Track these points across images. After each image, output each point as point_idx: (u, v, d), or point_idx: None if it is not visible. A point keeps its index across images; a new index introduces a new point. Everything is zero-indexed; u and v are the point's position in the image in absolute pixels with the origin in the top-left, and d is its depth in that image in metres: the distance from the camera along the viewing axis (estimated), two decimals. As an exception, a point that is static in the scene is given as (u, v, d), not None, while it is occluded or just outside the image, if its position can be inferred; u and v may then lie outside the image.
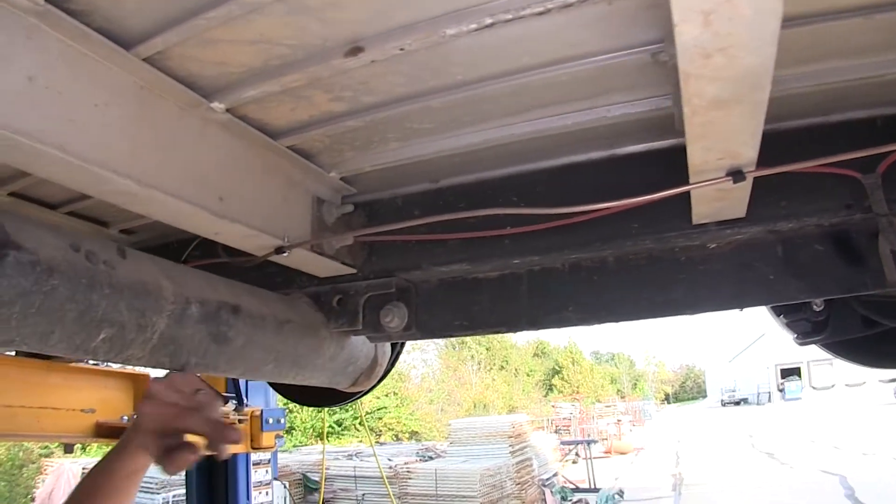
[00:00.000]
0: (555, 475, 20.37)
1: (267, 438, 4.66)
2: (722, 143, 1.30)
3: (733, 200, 1.57)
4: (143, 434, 1.51)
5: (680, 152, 1.69)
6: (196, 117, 1.48)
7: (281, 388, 3.06)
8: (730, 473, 18.56)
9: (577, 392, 57.29)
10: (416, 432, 32.54)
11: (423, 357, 43.91)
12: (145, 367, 1.61)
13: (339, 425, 28.32)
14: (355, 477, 16.89)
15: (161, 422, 1.43)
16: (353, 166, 1.88)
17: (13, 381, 3.41)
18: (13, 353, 3.60)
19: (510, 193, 1.89)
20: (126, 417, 4.15)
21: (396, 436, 30.67)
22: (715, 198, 1.53)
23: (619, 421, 35.77)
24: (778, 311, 2.44)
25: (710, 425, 41.43)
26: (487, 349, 53.78)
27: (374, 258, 2.04)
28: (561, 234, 1.78)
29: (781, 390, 57.18)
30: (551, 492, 18.11)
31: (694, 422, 47.53)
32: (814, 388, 55.44)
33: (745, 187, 1.49)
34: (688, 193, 1.55)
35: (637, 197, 1.62)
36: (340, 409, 25.87)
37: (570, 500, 16.85)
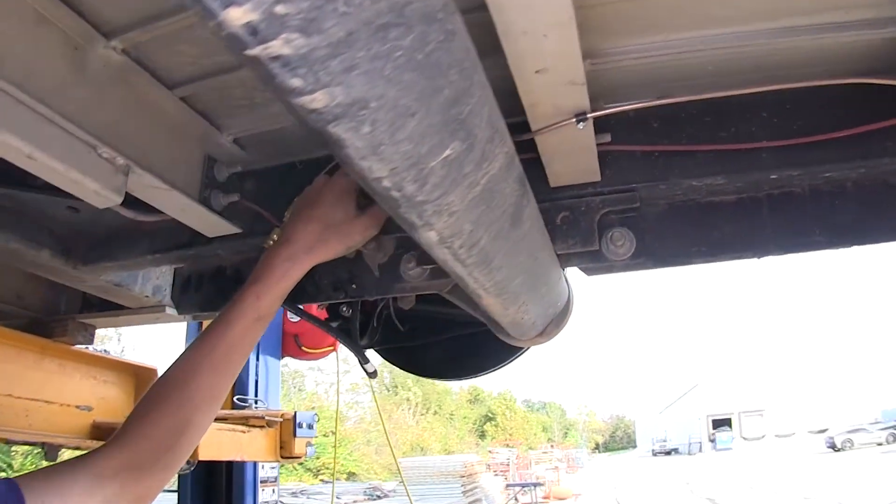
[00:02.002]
0: (503, 518, 20.05)
1: (298, 446, 4.08)
2: None
3: None
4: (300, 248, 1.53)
5: None
6: None
7: (408, 361, 2.57)
8: (674, 518, 18.48)
9: (511, 438, 57.48)
10: (354, 473, 32.09)
11: (356, 399, 43.12)
12: (435, 240, 1.07)
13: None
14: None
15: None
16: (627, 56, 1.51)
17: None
18: None
19: (761, 110, 1.67)
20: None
21: (333, 475, 30.11)
22: None
23: (556, 467, 35.88)
24: None
25: (643, 473, 41.76)
26: (423, 394, 53.62)
27: (609, 171, 1.70)
28: (821, 150, 1.61)
29: (713, 440, 58.45)
30: (501, 535, 17.78)
31: (627, 470, 47.83)
32: (744, 438, 56.95)
33: None
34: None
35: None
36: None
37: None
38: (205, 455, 3.48)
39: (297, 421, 4.06)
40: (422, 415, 50.78)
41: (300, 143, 1.91)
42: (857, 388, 54.87)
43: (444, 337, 2.42)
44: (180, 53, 1.50)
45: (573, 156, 1.55)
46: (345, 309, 2.22)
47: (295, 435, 4.04)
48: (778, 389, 55.66)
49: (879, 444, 41.16)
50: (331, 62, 0.60)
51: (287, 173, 1.98)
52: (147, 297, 2.60)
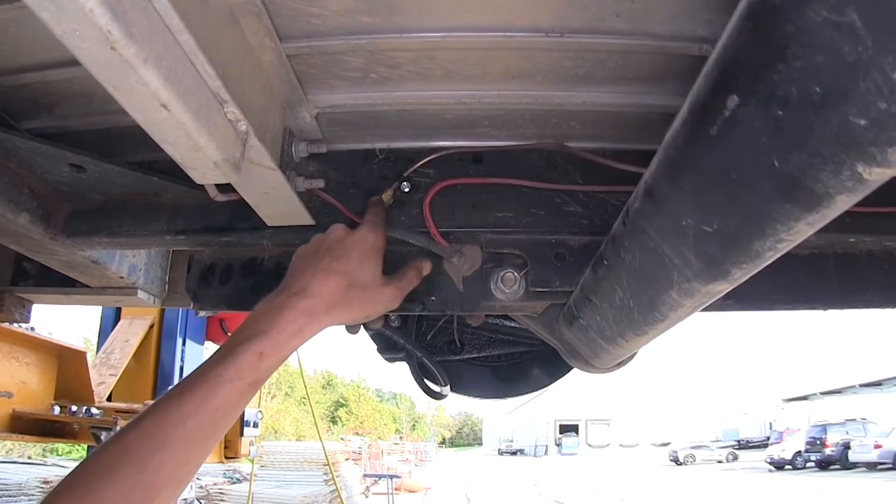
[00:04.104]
0: (359, 509, 19.88)
1: (244, 446, 3.66)
2: None
3: None
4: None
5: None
6: None
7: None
8: (524, 519, 18.92)
9: (361, 426, 57.44)
10: (204, 452, 30.84)
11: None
12: (735, 277, 0.93)
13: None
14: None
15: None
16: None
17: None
18: None
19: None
20: (58, 408, 3.05)
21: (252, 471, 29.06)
22: None
23: (407, 459, 36.04)
24: None
25: (491, 471, 42.71)
26: (276, 375, 52.57)
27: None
28: (890, 221, 1.73)
29: (559, 445, 60.66)
30: (357, 526, 17.61)
31: (474, 467, 48.74)
32: (590, 445, 59.55)
33: None
34: None
35: None
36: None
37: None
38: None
39: (245, 419, 3.64)
40: (273, 397, 49.69)
41: (387, 128, 1.62)
42: (700, 406, 58.86)
43: (491, 354, 2.18)
44: (319, 3, 1.19)
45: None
46: (393, 318, 1.93)
47: (242, 434, 3.62)
48: (625, 401, 58.70)
49: (720, 462, 44.04)
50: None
51: (362, 161, 1.67)
52: (122, 277, 2.18)
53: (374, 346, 2.05)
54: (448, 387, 1.84)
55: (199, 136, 1.01)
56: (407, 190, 1.60)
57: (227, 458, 3.68)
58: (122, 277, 2.20)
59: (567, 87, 1.46)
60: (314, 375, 73.02)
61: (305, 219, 1.55)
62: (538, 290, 1.55)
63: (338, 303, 1.27)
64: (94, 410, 3.00)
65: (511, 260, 1.62)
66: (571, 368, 2.09)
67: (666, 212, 0.91)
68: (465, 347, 2.15)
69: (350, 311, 1.30)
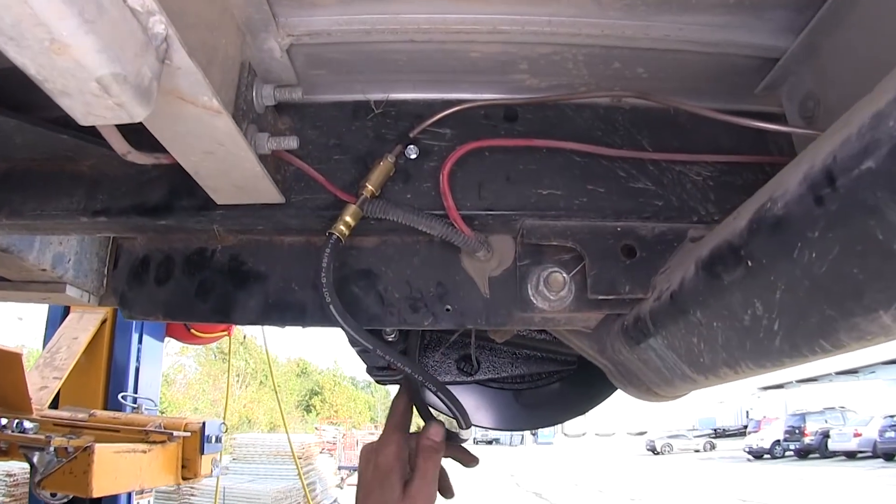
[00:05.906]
0: (335, 502, 19.56)
1: (205, 464, 3.18)
2: None
3: None
4: None
5: None
6: None
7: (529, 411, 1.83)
8: (504, 511, 18.78)
9: (336, 416, 57.11)
10: (177, 442, 30.23)
11: (181, 361, 40.68)
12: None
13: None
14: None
15: None
16: None
17: None
18: None
19: None
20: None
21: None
22: None
23: (382, 449, 35.72)
24: None
25: (466, 461, 42.45)
26: (247, 363, 52.01)
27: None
28: None
29: (534, 434, 60.69)
30: (333, 521, 17.31)
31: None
32: (566, 434, 59.64)
33: None
34: None
35: None
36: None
37: (354, 532, 16.08)
38: (100, 490, 2.56)
39: (206, 435, 3.14)
40: (247, 386, 49.09)
41: (386, 72, 1.18)
42: (676, 395, 59.53)
43: (513, 374, 1.72)
44: None
45: None
46: (389, 332, 1.48)
47: (203, 452, 3.13)
48: (600, 390, 59.34)
49: (697, 451, 44.13)
50: None
51: (352, 117, 1.23)
52: (44, 269, 1.72)
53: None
54: (470, 430, 1.39)
55: (60, 22, 0.55)
56: (414, 156, 1.16)
57: (184, 478, 3.19)
58: (44, 270, 1.73)
59: (646, 13, 1.03)
60: (287, 363, 72.54)
61: (271, 194, 1.10)
62: (600, 297, 1.10)
63: None
64: (26, 425, 2.54)
65: (555, 255, 1.18)
66: (614, 391, 1.66)
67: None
68: (482, 366, 1.69)
69: None
